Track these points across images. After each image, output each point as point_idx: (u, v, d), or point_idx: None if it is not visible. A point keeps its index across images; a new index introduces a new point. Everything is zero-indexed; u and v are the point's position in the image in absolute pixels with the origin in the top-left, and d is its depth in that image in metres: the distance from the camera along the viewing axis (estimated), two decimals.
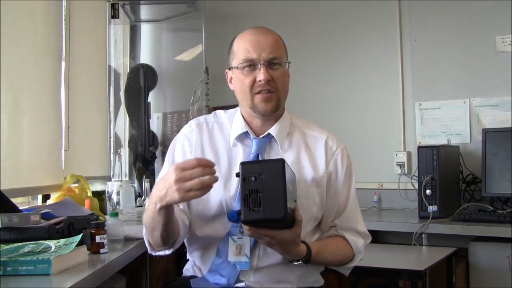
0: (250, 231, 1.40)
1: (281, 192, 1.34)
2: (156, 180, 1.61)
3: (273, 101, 1.58)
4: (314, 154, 1.65)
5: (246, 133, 1.63)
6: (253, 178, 1.35)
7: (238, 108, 1.69)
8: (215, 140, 1.65)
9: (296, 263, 1.51)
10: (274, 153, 1.62)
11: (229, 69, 1.65)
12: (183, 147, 1.65)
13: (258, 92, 1.57)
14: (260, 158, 1.58)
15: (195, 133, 1.66)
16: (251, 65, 1.57)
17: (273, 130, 1.62)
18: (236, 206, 1.52)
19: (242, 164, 1.41)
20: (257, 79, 1.56)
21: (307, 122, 1.72)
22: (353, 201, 1.69)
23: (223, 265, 1.54)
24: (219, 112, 1.72)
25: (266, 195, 1.34)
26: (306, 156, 1.63)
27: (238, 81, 1.61)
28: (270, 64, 1.57)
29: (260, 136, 1.63)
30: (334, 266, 1.69)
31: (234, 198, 1.55)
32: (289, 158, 1.61)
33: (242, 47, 1.58)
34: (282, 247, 1.46)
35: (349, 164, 1.68)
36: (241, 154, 1.62)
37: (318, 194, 1.62)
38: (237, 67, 1.59)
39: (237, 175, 1.39)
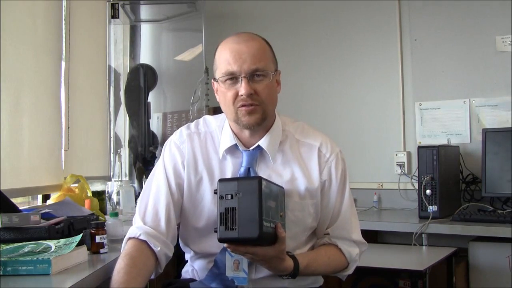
0: (230, 248, 1.38)
1: (256, 211, 1.33)
2: (146, 182, 1.59)
3: (257, 114, 1.48)
4: (308, 164, 1.57)
5: (236, 145, 1.55)
6: (229, 196, 1.35)
7: None
8: (207, 153, 1.57)
9: (284, 277, 1.48)
10: (266, 166, 1.55)
11: (214, 80, 1.56)
12: (174, 157, 1.58)
13: (241, 106, 1.48)
14: (251, 171, 1.53)
15: (186, 145, 1.58)
16: (233, 78, 1.47)
17: (263, 142, 1.54)
18: None
19: (220, 181, 1.40)
20: (239, 93, 1.46)
21: (300, 127, 1.63)
22: (348, 208, 1.61)
23: (221, 276, 1.51)
24: (209, 119, 1.65)
25: (242, 214, 1.33)
26: (300, 167, 1.56)
27: (221, 94, 1.52)
28: (252, 76, 1.47)
29: (250, 148, 1.55)
30: (328, 274, 1.65)
31: None
32: (281, 170, 1.55)
33: (223, 58, 1.49)
34: (266, 263, 1.43)
35: (343, 169, 1.61)
36: (231, 167, 1.55)
37: (312, 205, 1.57)
38: (219, 80, 1.51)
39: (215, 192, 1.39)
